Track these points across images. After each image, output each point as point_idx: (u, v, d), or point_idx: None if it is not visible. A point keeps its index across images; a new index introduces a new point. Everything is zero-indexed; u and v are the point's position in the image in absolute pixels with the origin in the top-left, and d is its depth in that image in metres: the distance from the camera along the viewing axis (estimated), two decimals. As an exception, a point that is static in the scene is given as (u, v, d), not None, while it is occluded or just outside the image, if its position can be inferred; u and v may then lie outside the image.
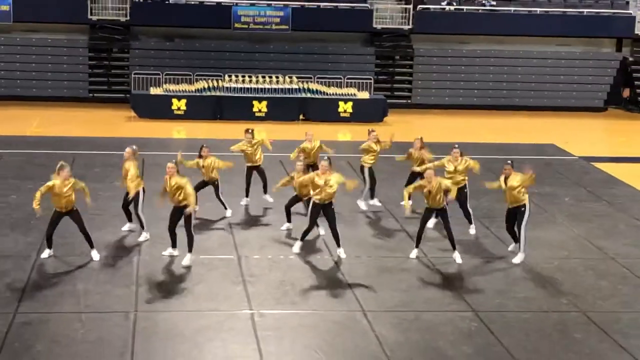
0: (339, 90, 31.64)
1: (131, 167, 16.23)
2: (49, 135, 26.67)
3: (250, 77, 31.29)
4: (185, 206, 15.07)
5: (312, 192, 15.83)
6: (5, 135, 26.24)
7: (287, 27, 33.33)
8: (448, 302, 14.10)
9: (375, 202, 19.11)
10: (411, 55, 35.11)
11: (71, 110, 31.50)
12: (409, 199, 15.94)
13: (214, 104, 30.54)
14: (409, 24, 34.46)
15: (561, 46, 36.05)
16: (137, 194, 16.22)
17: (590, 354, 12.37)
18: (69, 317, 12.93)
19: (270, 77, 31.45)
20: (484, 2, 35.28)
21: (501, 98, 35.04)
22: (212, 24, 33.54)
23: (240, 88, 30.90)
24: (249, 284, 14.51)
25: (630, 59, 36.48)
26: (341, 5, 34.49)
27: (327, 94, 31.34)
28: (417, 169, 18.10)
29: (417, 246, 16.08)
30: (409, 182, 17.89)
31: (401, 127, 30.37)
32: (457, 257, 15.87)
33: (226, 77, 31.32)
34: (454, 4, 35.16)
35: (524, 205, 15.80)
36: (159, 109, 30.22)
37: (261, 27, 33.33)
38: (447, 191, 15.75)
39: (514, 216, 15.94)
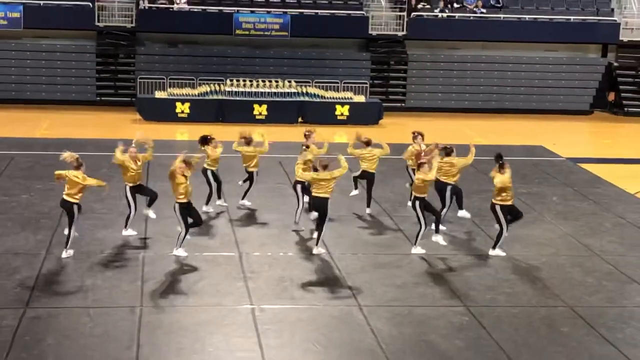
0: (336, 94, 31.62)
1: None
2: (58, 137, 26.62)
3: (251, 81, 31.25)
4: (189, 202, 15.12)
5: (313, 188, 15.80)
6: (16, 137, 26.22)
7: (286, 33, 33.30)
8: (440, 297, 14.10)
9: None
10: (405, 60, 35.09)
11: (79, 113, 31.46)
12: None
13: (216, 107, 30.51)
14: (403, 31, 34.43)
15: (549, 52, 36.05)
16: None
17: (576, 347, 12.38)
18: (77, 312, 12.93)
19: (270, 81, 31.41)
20: (474, 9, 35.27)
21: (491, 101, 35.03)
22: (214, 31, 33.51)
23: (242, 92, 30.88)
24: (249, 280, 14.50)
25: (615, 64, 36.48)
26: (338, 12, 34.48)
27: (324, 97, 31.30)
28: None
29: (437, 231, 16.18)
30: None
31: (396, 129, 30.39)
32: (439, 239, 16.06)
33: (228, 82, 31.28)
34: (446, 11, 35.14)
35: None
36: (163, 112, 30.19)
37: (261, 33, 33.30)
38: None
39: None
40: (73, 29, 33.40)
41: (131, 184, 16.33)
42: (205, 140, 18.03)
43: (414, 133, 18.92)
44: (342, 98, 31.34)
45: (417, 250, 16.02)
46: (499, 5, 35.82)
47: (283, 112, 30.51)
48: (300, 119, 30.62)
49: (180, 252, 15.37)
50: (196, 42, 34.41)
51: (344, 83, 32.47)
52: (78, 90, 33.34)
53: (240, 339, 12.24)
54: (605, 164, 25.49)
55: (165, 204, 16.52)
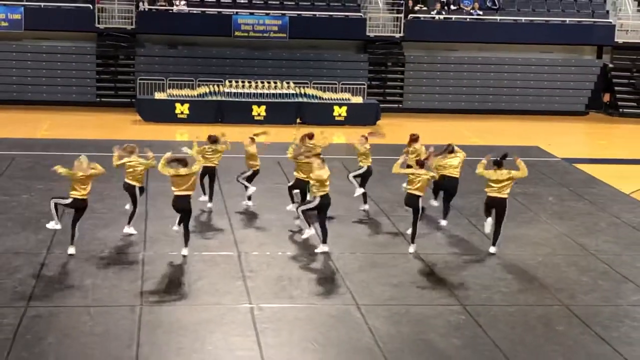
0: (334, 95, 31.62)
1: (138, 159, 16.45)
2: (59, 137, 26.61)
3: (249, 82, 31.24)
4: (189, 196, 15.15)
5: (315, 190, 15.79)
6: (17, 137, 26.20)
7: (284, 35, 33.30)
8: (437, 296, 14.10)
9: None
10: (402, 61, 35.09)
11: (80, 114, 31.44)
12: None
13: (216, 108, 30.50)
14: (400, 32, 34.44)
15: (545, 53, 36.06)
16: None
17: (572, 345, 12.39)
18: (78, 311, 12.92)
19: (269, 82, 31.41)
20: (471, 11, 35.28)
21: (488, 102, 35.04)
22: (213, 32, 33.49)
23: (240, 93, 30.87)
24: (248, 279, 14.50)
25: (610, 65, 36.49)
26: (336, 14, 34.47)
27: (322, 98, 31.30)
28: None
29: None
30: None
31: (393, 130, 30.37)
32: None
33: (227, 83, 31.27)
34: (443, 13, 35.15)
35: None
36: (163, 113, 30.18)
37: (260, 35, 33.29)
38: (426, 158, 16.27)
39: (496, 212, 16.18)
40: (73, 30, 33.36)
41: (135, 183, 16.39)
42: (213, 140, 18.07)
43: (412, 135, 18.91)
44: (340, 99, 31.33)
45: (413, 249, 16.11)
46: (495, 7, 35.85)
47: (281, 113, 30.50)
48: (298, 120, 30.60)
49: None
50: (195, 44, 34.40)
51: (342, 84, 32.47)
52: (78, 91, 33.31)
53: (239, 337, 12.24)
54: (601, 165, 25.52)
55: (165, 203, 16.50)
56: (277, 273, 14.84)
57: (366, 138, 18.37)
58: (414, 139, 18.76)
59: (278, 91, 31.05)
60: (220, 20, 33.35)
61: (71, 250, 15.22)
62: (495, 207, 15.97)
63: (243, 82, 31.24)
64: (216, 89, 31.00)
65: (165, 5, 33.73)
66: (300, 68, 33.94)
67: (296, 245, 16.38)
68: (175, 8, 33.66)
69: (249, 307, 13.33)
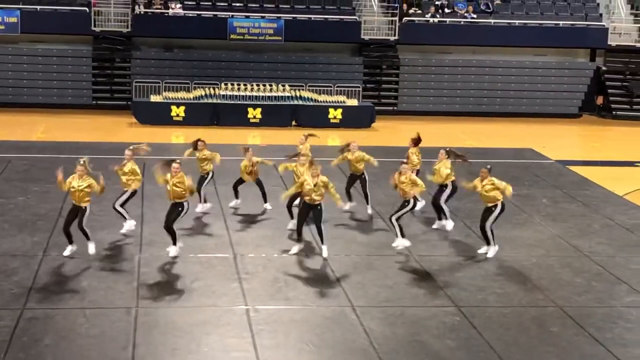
0: (329, 98, 31.65)
1: (135, 166, 16.36)
2: (54, 140, 26.61)
3: (245, 85, 31.26)
4: (181, 203, 15.14)
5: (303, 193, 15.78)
6: (13, 140, 26.18)
7: (280, 38, 33.31)
8: (432, 297, 14.10)
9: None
10: (397, 64, 35.14)
11: (75, 117, 31.42)
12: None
13: (211, 111, 30.51)
14: (395, 35, 34.48)
15: (538, 56, 36.12)
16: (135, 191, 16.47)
17: (566, 346, 12.40)
18: (74, 313, 12.90)
19: (264, 85, 31.43)
20: (465, 14, 35.34)
21: (482, 105, 35.10)
22: (209, 35, 33.50)
23: (236, 95, 30.88)
24: (244, 281, 14.49)
25: (604, 68, 36.58)
26: (331, 17, 34.51)
27: (318, 101, 31.33)
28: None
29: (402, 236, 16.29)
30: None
31: (388, 132, 30.45)
32: (396, 243, 16.10)
33: (222, 85, 31.29)
34: (437, 16, 35.20)
35: (495, 205, 15.89)
36: (159, 116, 30.18)
37: (255, 38, 33.30)
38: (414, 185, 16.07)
39: (484, 216, 16.08)
40: (69, 33, 33.37)
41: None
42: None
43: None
44: (335, 102, 31.37)
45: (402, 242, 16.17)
46: (489, 10, 35.91)
47: (277, 115, 30.53)
48: (293, 122, 30.63)
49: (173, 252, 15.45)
50: (191, 47, 34.42)
51: (337, 87, 32.49)
52: (74, 94, 33.30)
53: (235, 339, 12.22)
54: (594, 167, 25.56)
55: (161, 205, 16.49)
56: (273, 275, 14.84)
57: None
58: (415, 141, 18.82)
59: (273, 94, 31.07)
60: (215, 23, 33.36)
61: (91, 248, 15.29)
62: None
63: (239, 84, 31.25)
64: (212, 91, 31.00)
65: (161, 8, 33.74)
66: (296, 71, 33.97)
67: (291, 248, 16.33)
68: (171, 11, 33.67)
69: (245, 308, 13.32)
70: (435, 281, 14.85)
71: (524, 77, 35.66)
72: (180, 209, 15.31)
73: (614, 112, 35.75)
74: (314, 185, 15.46)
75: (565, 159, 26.18)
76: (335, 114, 30.97)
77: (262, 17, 33.70)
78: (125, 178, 16.49)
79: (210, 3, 34.76)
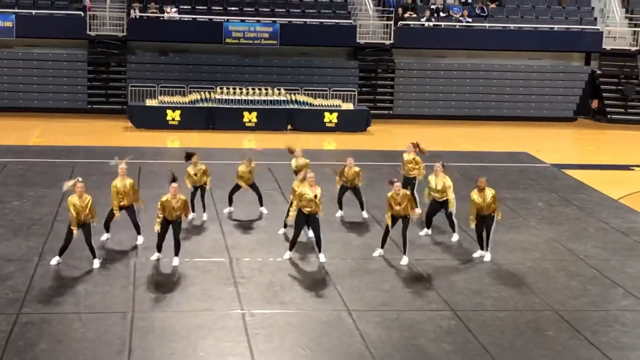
0: (324, 102, 31.64)
1: (131, 182, 16.31)
2: (50, 144, 26.57)
3: (240, 89, 31.23)
4: (179, 219, 15.16)
5: (300, 202, 15.75)
6: (8, 144, 26.14)
7: (275, 42, 33.32)
8: (428, 301, 14.12)
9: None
10: (392, 68, 35.14)
11: (71, 121, 31.38)
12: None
13: (207, 115, 30.48)
14: (390, 39, 34.51)
15: (533, 60, 36.17)
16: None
17: (562, 350, 12.42)
18: (70, 317, 12.89)
19: (260, 89, 31.41)
20: (460, 18, 35.38)
21: (477, 109, 35.13)
22: (204, 39, 33.48)
23: (232, 99, 30.86)
24: (240, 285, 14.49)
25: (598, 72, 36.62)
26: (326, 21, 34.52)
27: (313, 105, 31.32)
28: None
29: (382, 247, 16.25)
30: (404, 186, 17.16)
31: (383, 136, 30.46)
32: (404, 260, 15.87)
33: (218, 89, 31.26)
34: (433, 20, 35.25)
35: (493, 212, 15.96)
36: (154, 120, 30.14)
37: (251, 42, 33.30)
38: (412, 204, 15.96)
39: (485, 224, 16.05)
40: (65, 38, 33.33)
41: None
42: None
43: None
44: (330, 105, 31.37)
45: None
46: (484, 14, 35.96)
47: (273, 119, 30.51)
48: (289, 127, 30.62)
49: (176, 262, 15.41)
50: (186, 51, 34.39)
51: (333, 91, 32.50)
52: (70, 98, 33.25)
53: (230, 343, 12.23)
54: (589, 170, 25.60)
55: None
56: (268, 279, 14.84)
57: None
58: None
59: (269, 98, 31.05)
60: (211, 27, 33.35)
61: (96, 263, 15.19)
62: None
63: (234, 88, 31.24)
64: (207, 95, 30.98)
65: (156, 13, 33.72)
66: (291, 75, 33.97)
67: (287, 251, 16.34)
68: (166, 15, 33.66)
69: (241, 312, 13.32)
70: (431, 285, 14.86)
71: (519, 80, 35.70)
72: (179, 221, 15.33)
73: (608, 116, 35.80)
74: (315, 197, 15.50)
75: (560, 162, 26.22)
76: (330, 118, 30.97)
77: (258, 21, 33.70)
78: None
79: (205, 7, 34.76)
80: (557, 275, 15.66)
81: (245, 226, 18.10)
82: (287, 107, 30.96)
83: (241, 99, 30.87)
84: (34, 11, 32.94)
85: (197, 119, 30.26)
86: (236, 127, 29.74)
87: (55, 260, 15.17)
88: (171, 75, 33.31)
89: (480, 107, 35.13)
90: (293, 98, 31.32)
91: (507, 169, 24.27)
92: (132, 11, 33.46)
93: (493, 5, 36.71)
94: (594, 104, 36.53)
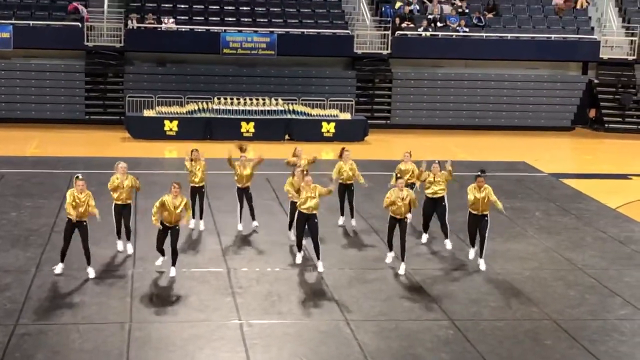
0: (322, 112, 31.69)
1: (133, 180, 16.35)
2: (48, 155, 26.58)
3: (238, 99, 31.29)
4: (177, 226, 15.13)
5: (298, 203, 15.80)
6: (6, 155, 26.14)
7: (272, 52, 33.37)
8: (426, 311, 14.11)
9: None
10: (390, 78, 35.21)
11: (68, 132, 31.41)
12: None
13: (204, 125, 30.52)
14: (387, 49, 34.58)
15: (531, 69, 36.25)
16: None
17: (560, 359, 12.41)
18: (67, 328, 12.87)
19: (257, 99, 31.46)
20: (457, 28, 35.46)
21: (475, 118, 35.19)
22: (202, 50, 33.55)
23: (229, 110, 30.91)
24: (237, 295, 14.48)
25: (596, 81, 36.71)
26: (324, 31, 34.59)
27: (311, 115, 31.37)
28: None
29: (390, 250, 16.26)
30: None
31: (381, 146, 30.49)
32: (402, 268, 15.87)
33: (215, 100, 31.31)
34: (430, 30, 35.33)
35: (487, 215, 16.00)
36: (152, 130, 30.17)
37: (248, 52, 33.35)
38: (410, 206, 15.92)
39: (478, 224, 16.11)
40: (62, 48, 33.36)
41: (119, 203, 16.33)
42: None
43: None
44: (328, 115, 31.41)
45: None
46: (481, 24, 36.04)
47: (270, 129, 30.55)
48: (287, 137, 30.66)
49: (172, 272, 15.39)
50: (184, 61, 34.45)
51: (330, 101, 32.55)
52: (67, 109, 33.28)
53: (228, 353, 12.21)
54: (587, 180, 25.63)
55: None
56: (266, 289, 14.83)
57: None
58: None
59: (267, 108, 31.10)
60: (208, 37, 33.42)
61: (91, 273, 15.16)
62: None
63: (232, 99, 31.29)
64: (205, 106, 31.03)
65: (153, 23, 33.79)
66: (289, 85, 34.02)
67: (285, 262, 16.36)
68: (163, 26, 33.73)
69: (239, 323, 13.31)
70: (429, 295, 14.85)
71: (516, 90, 35.77)
72: (177, 228, 15.29)
73: (606, 125, 35.87)
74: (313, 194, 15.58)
75: (558, 171, 26.25)
76: (328, 128, 31.02)
77: (255, 32, 33.76)
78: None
79: (203, 18, 34.84)
80: (555, 284, 15.67)
81: (243, 236, 18.09)
82: (285, 117, 31.01)
83: (239, 109, 30.92)
84: (31, 22, 32.99)
85: (194, 129, 30.29)
86: (234, 137, 29.67)
87: (59, 268, 15.11)
88: (169, 86, 33.37)
89: (478, 117, 35.18)
90: (290, 108, 31.37)
91: (505, 178, 24.29)
92: (129, 22, 33.52)
93: (490, 15, 36.81)
94: (592, 113, 36.60)
